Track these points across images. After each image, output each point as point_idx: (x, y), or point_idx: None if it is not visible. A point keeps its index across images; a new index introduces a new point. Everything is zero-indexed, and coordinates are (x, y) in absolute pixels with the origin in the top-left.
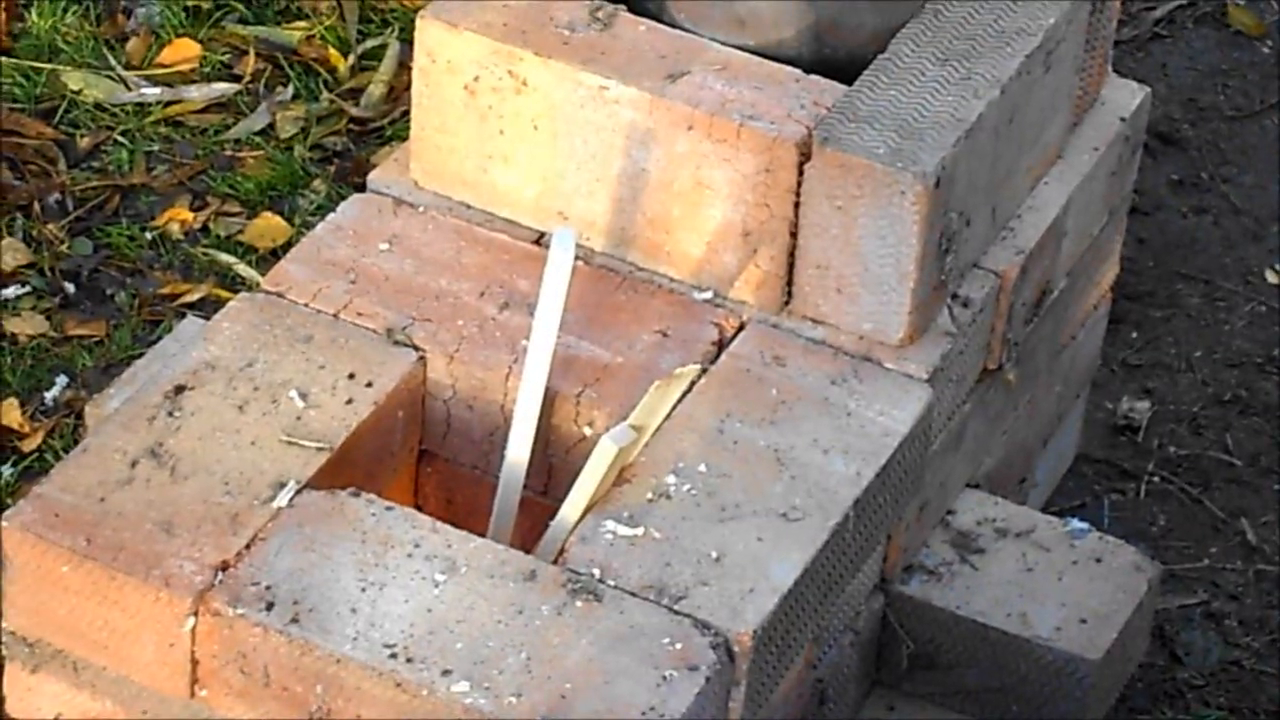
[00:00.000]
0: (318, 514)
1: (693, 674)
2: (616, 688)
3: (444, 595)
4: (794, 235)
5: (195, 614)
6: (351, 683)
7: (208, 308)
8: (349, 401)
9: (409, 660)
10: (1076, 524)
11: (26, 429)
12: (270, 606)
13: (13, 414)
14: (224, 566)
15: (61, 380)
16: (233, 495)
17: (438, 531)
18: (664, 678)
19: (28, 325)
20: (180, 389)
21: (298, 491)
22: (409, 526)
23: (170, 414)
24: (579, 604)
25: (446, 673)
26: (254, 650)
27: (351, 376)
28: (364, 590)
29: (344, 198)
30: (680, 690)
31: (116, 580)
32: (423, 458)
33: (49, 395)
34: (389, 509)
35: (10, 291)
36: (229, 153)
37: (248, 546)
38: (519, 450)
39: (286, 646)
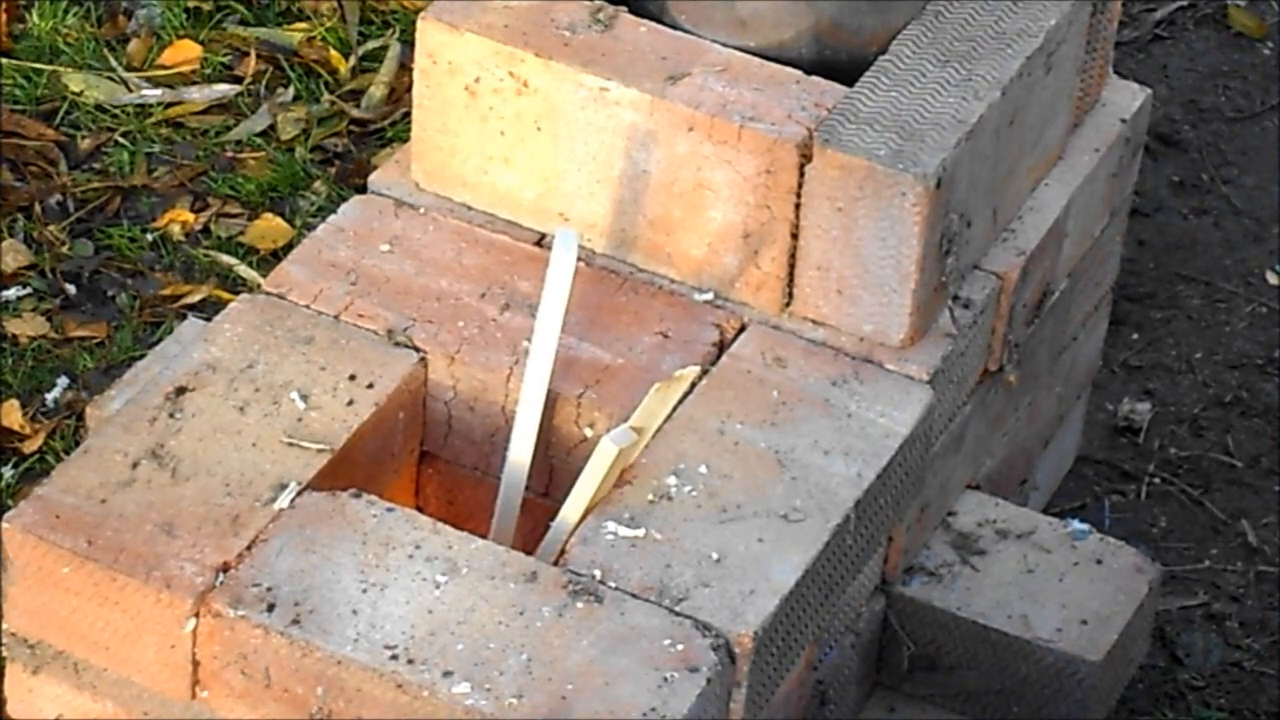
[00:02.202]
0: (319, 515)
1: (693, 675)
2: (617, 689)
3: (445, 596)
4: (795, 236)
5: (196, 615)
6: (353, 684)
7: (209, 309)
8: (350, 403)
9: (410, 661)
10: (1077, 525)
11: (27, 430)
12: (271, 608)
13: (14, 415)
14: (225, 568)
15: (62, 381)
16: (234, 496)
17: (439, 533)
18: (665, 679)
19: (29, 327)
20: (181, 390)
21: (299, 493)
22: (410, 528)
23: (171, 415)
24: (580, 605)
25: (447, 674)
26: (255, 651)
27: (352, 378)
28: (365, 591)
29: (345, 199)
30: (681, 692)
31: (117, 581)
32: (424, 459)
33: (50, 397)
34: (390, 510)
35: (11, 293)
36: (230, 154)
37: (249, 548)
38: (520, 451)
39: (288, 648)
